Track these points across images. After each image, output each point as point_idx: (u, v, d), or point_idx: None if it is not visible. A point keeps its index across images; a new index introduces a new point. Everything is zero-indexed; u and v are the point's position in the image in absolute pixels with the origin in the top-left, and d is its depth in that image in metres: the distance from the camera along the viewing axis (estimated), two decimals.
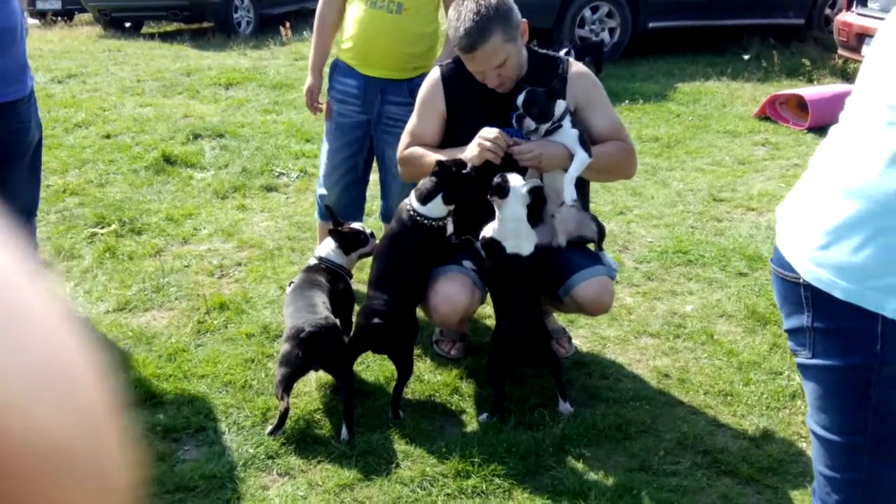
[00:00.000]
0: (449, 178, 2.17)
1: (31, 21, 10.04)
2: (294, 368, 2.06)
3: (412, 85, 2.64)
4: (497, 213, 2.20)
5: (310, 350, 2.04)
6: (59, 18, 9.91)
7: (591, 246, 2.42)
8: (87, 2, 9.09)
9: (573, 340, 2.66)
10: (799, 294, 1.16)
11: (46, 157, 4.34)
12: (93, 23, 9.89)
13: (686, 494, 1.96)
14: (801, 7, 7.69)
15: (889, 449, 1.16)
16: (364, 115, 2.72)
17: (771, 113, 5.45)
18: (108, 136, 4.77)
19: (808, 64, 6.73)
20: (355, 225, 2.48)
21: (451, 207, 2.23)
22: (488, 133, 2.16)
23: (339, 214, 2.50)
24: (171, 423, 2.09)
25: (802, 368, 1.22)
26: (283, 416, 2.05)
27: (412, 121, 2.39)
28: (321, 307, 2.14)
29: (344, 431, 2.08)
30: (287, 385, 2.06)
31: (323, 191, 2.82)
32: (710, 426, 2.23)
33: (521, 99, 2.15)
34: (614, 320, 2.81)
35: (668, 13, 7.31)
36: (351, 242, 2.42)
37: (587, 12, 7.10)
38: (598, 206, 3.88)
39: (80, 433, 0.25)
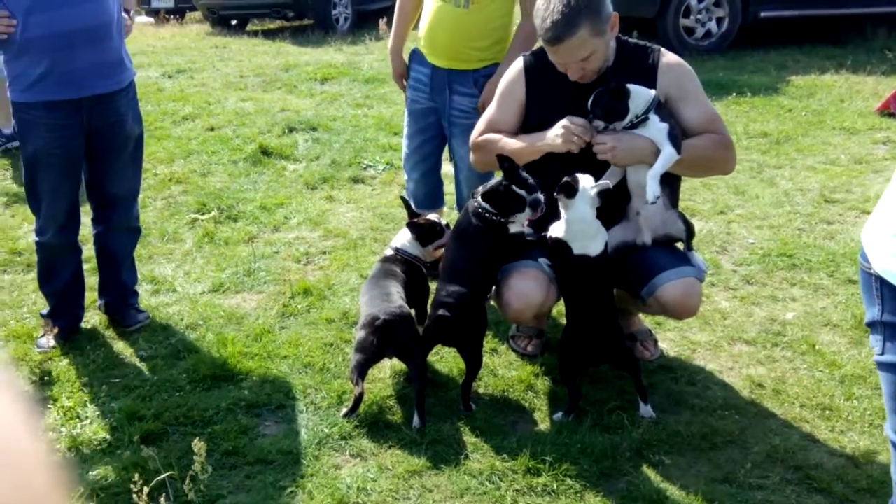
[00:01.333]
0: (514, 181, 2.17)
1: (146, 19, 10.87)
2: (369, 355, 2.13)
3: (477, 76, 2.72)
4: (563, 213, 2.17)
5: (384, 338, 2.10)
6: (172, 16, 10.66)
7: (680, 245, 2.33)
8: (198, 0, 9.73)
9: (659, 343, 2.58)
10: (871, 285, 1.17)
11: (155, 148, 4.73)
12: (202, 21, 10.59)
13: None
14: None
15: None
16: (433, 102, 2.82)
17: (895, 108, 5.01)
18: (211, 129, 5.10)
19: None
20: (431, 216, 2.52)
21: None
22: (575, 121, 2.13)
23: (420, 202, 2.57)
24: (254, 399, 2.22)
25: (879, 367, 1.20)
26: (358, 400, 2.13)
27: (490, 109, 2.39)
28: (396, 296, 2.20)
29: (416, 419, 2.13)
30: (362, 371, 2.13)
31: (406, 175, 2.99)
32: (805, 441, 2.10)
33: (591, 99, 2.12)
34: (707, 325, 2.70)
35: (782, 2, 6.88)
36: (427, 234, 2.46)
37: (693, 1, 6.81)
38: (697, 205, 3.74)
39: (18, 498, 0.27)
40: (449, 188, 3.18)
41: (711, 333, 2.65)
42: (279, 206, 3.74)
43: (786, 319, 2.72)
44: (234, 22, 10.05)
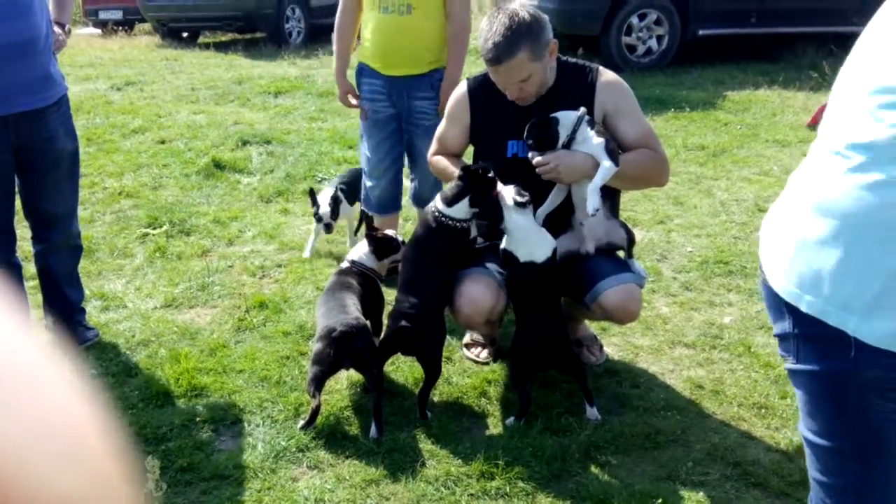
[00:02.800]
0: (475, 182, 2.24)
1: (93, 31, 10.59)
2: (326, 367, 2.14)
3: (432, 79, 2.87)
4: (504, 225, 2.25)
5: (341, 349, 2.12)
6: (120, 28, 10.42)
7: (622, 253, 2.43)
8: (147, 12, 9.54)
9: (604, 348, 2.67)
10: (780, 301, 1.18)
11: (104, 161, 4.62)
12: (152, 33, 10.37)
13: None
14: (862, 14, 7.43)
15: (874, 454, 1.16)
16: (394, 108, 2.94)
17: None
18: (162, 142, 5.01)
19: None
20: (388, 232, 2.56)
21: (475, 210, 2.28)
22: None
23: (386, 205, 2.71)
24: (210, 414, 2.20)
25: (791, 374, 1.24)
26: (315, 412, 2.14)
27: (441, 126, 2.52)
28: (352, 308, 2.22)
29: (373, 429, 2.15)
30: (319, 383, 2.14)
31: (371, 183, 3.05)
32: (743, 438, 2.21)
33: (525, 133, 2.23)
34: (648, 329, 2.80)
35: (719, 20, 7.19)
36: (384, 248, 2.50)
37: (634, 19, 7.06)
38: (639, 215, 3.87)
39: (87, 491, 0.25)
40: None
41: (653, 338, 2.75)
42: (233, 220, 3.71)
43: (723, 323, 2.84)
44: (184, 34, 9.89)
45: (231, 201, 3.99)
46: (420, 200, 3.03)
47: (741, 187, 4.32)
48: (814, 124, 5.32)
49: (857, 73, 1.10)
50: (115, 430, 0.27)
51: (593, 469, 2.07)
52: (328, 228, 3.28)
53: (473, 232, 2.32)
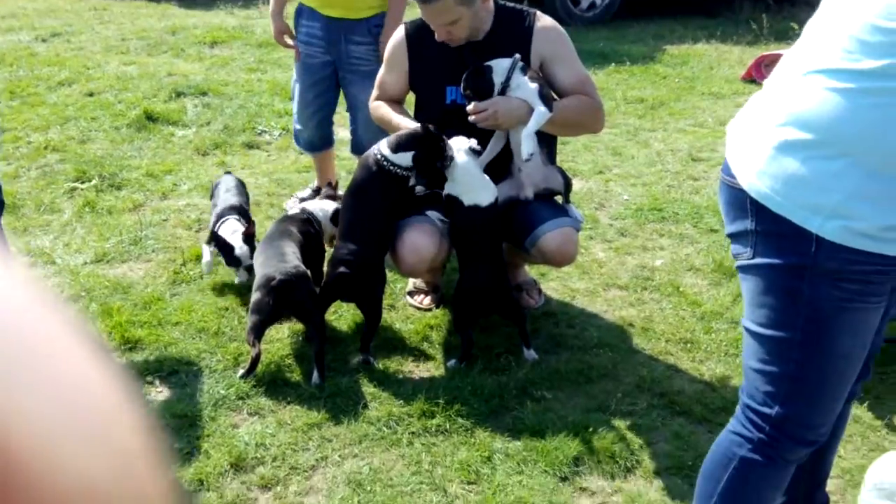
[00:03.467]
0: (427, 146, 2.21)
1: None
2: (265, 316, 2.12)
3: (370, 24, 2.80)
4: (447, 173, 2.25)
5: (280, 298, 2.09)
6: None
7: (559, 199, 2.46)
8: None
9: (543, 292, 2.72)
10: (745, 201, 1.26)
11: (28, 115, 4.35)
12: None
13: (640, 433, 2.04)
14: None
15: (816, 345, 1.26)
16: (328, 55, 2.87)
17: (757, 75, 5.42)
18: (91, 94, 4.74)
19: (796, 28, 6.67)
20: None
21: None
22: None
23: (314, 146, 2.82)
24: (144, 366, 2.15)
25: (743, 270, 1.33)
26: (255, 361, 2.12)
27: (381, 71, 2.48)
28: (291, 256, 2.19)
29: (315, 376, 2.15)
30: (258, 332, 2.12)
31: (299, 126, 3.04)
32: (669, 371, 2.31)
33: (462, 84, 2.21)
34: (585, 273, 2.87)
35: None
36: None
37: None
38: (579, 166, 3.91)
39: (114, 475, 0.23)
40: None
41: (589, 281, 2.83)
42: (167, 174, 3.57)
43: (654, 266, 2.94)
44: None
45: (165, 154, 3.83)
46: (360, 149, 2.99)
47: (677, 138, 4.42)
48: (748, 78, 5.44)
49: (836, 9, 1.17)
50: (141, 408, 0.25)
51: (529, 404, 2.14)
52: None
53: (412, 181, 2.30)
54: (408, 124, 2.30)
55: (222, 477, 1.81)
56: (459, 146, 2.23)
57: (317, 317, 2.20)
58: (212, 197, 2.82)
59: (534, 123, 2.17)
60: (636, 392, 2.20)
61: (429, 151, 2.21)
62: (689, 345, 2.44)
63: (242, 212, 2.66)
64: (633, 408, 2.14)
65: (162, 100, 4.61)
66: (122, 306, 2.44)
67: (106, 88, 4.83)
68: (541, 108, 2.17)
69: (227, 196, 2.70)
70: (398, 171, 2.23)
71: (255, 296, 2.14)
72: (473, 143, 2.26)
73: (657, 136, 4.44)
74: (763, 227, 1.25)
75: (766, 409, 1.33)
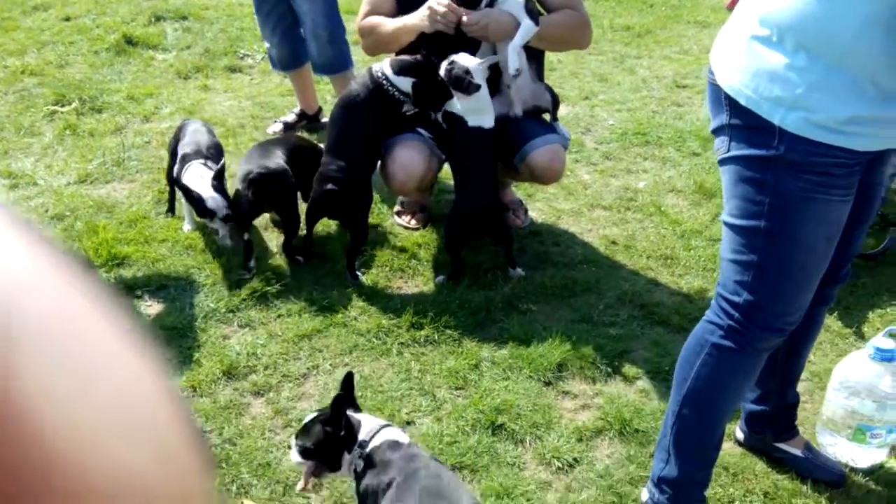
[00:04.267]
0: (428, 76, 2.13)
1: None
2: (245, 209, 2.10)
3: None
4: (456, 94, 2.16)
5: (259, 191, 2.06)
6: None
7: (547, 117, 2.40)
8: None
9: (529, 212, 2.70)
10: (721, 96, 1.30)
11: (3, 39, 4.12)
12: None
13: (621, 341, 2.07)
14: None
15: (780, 234, 1.30)
16: None
17: None
18: (67, 19, 4.49)
19: None
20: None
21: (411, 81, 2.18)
22: (439, 4, 2.09)
23: (286, 63, 2.73)
24: (133, 281, 2.12)
25: (721, 164, 1.36)
26: (248, 246, 2.13)
27: None
28: (276, 156, 2.14)
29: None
30: (243, 224, 2.12)
31: (267, 44, 2.99)
32: (650, 285, 2.32)
33: None
34: (570, 195, 2.84)
35: None
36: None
37: None
38: (566, 92, 3.81)
39: (160, 470, 0.22)
40: None
41: (574, 202, 2.80)
42: (148, 97, 3.43)
43: (638, 188, 2.91)
44: None
45: (146, 78, 3.67)
46: (320, 68, 2.91)
47: (662, 65, 4.32)
48: (733, 6, 5.30)
49: None
50: (184, 401, 0.21)
51: (515, 316, 2.15)
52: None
53: (406, 108, 2.22)
54: (412, 22, 2.16)
55: (215, 384, 1.81)
56: (474, 67, 2.12)
57: (294, 213, 2.18)
58: (173, 143, 2.36)
59: (520, 37, 2.08)
60: (618, 304, 2.22)
61: (429, 82, 2.14)
62: (669, 261, 2.44)
63: (210, 156, 2.23)
64: (614, 318, 2.15)
65: (141, 24, 4.38)
66: (107, 224, 2.38)
67: (83, 13, 4.58)
68: (527, 21, 2.09)
69: (193, 138, 2.28)
70: (396, 93, 2.16)
71: (235, 190, 2.12)
72: (494, 58, 2.15)
73: (643, 63, 4.33)
74: (736, 120, 1.29)
75: (735, 298, 1.37)
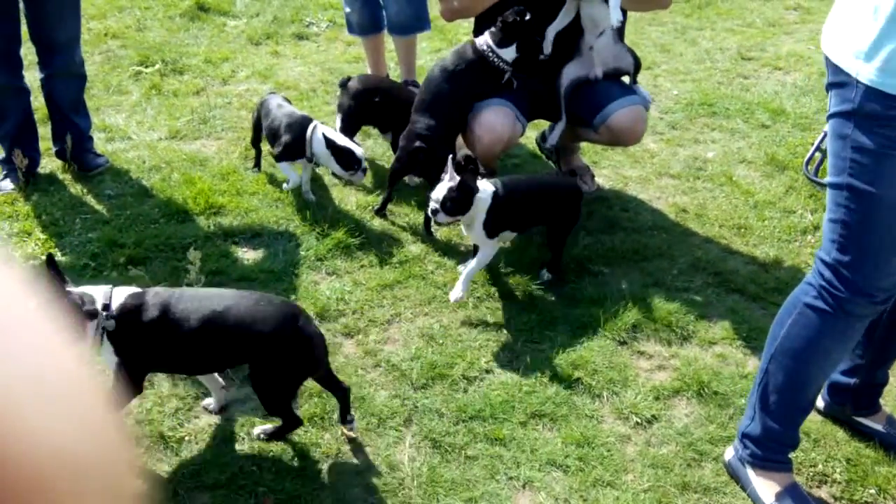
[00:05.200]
0: (523, 30, 2.15)
1: None
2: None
3: None
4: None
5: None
6: None
7: (626, 80, 2.37)
8: None
9: (596, 178, 2.68)
10: (827, 59, 1.34)
11: (84, 4, 4.22)
12: None
13: (695, 306, 2.06)
14: None
15: (862, 191, 1.29)
16: None
17: None
18: None
19: None
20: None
21: (517, 56, 2.21)
22: None
23: (365, 27, 2.77)
24: (230, 228, 2.19)
25: (828, 125, 1.38)
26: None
27: None
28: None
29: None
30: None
31: (348, 9, 2.98)
32: (723, 253, 2.29)
33: None
34: (637, 162, 2.81)
35: None
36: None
37: None
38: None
39: (84, 440, 0.22)
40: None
41: (641, 170, 2.77)
42: (224, 61, 3.50)
43: (706, 157, 2.86)
44: None
45: (220, 43, 3.74)
46: (393, 27, 2.91)
47: (725, 37, 4.18)
48: None
49: None
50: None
51: (587, 277, 2.15)
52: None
53: (507, 76, 2.23)
54: None
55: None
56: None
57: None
58: (261, 118, 2.42)
59: None
60: (691, 270, 2.20)
61: (527, 32, 2.15)
62: (742, 230, 2.40)
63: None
64: (688, 284, 2.14)
65: None
66: (201, 176, 2.46)
67: None
68: None
69: (287, 108, 2.40)
70: (500, 63, 2.19)
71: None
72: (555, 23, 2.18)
73: (705, 34, 4.20)
74: (831, 78, 1.32)
75: (826, 257, 1.36)
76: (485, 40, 2.20)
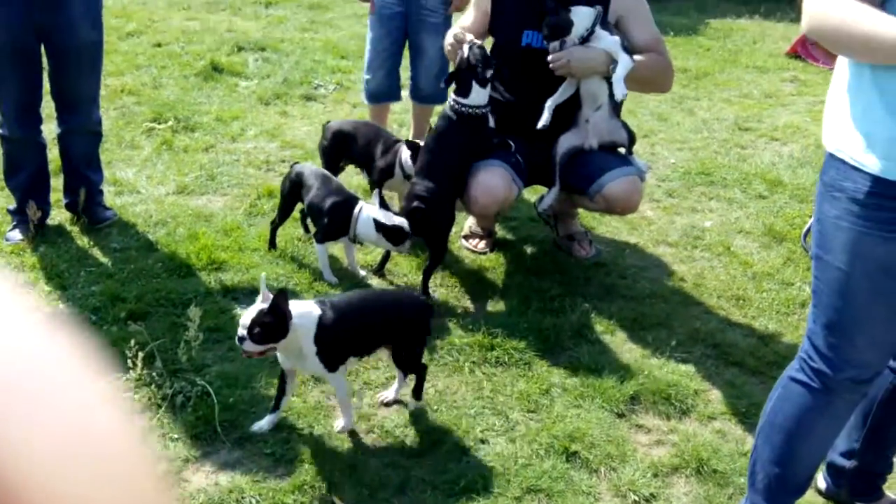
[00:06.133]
0: (473, 65, 2.21)
1: None
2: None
3: None
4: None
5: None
6: None
7: (622, 150, 2.42)
8: None
9: (594, 243, 2.70)
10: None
11: (104, 61, 4.40)
12: None
13: (694, 379, 2.04)
14: None
15: (826, 263, 1.30)
16: (401, 7, 2.90)
17: (802, 52, 5.23)
18: (158, 45, 4.77)
19: None
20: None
21: (488, 91, 2.24)
22: (450, 37, 2.27)
23: (380, 96, 2.80)
24: (231, 284, 2.20)
25: None
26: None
27: (466, 11, 2.50)
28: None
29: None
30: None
31: (368, 76, 3.04)
32: (722, 325, 2.28)
33: (543, 21, 2.19)
34: (634, 230, 2.84)
35: None
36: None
37: None
38: None
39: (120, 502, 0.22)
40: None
41: (639, 237, 2.80)
42: (235, 119, 3.60)
43: (704, 227, 2.89)
44: None
45: (231, 102, 3.86)
46: (419, 96, 3.02)
47: (722, 108, 4.30)
48: (793, 53, 5.26)
49: None
50: (149, 439, 0.23)
51: (585, 345, 2.14)
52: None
53: (491, 122, 2.29)
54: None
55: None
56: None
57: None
58: (293, 190, 2.34)
59: (622, 69, 2.15)
60: (690, 342, 2.19)
61: (477, 66, 2.20)
62: (741, 301, 2.41)
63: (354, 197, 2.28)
64: (687, 355, 2.13)
65: (225, 53, 4.62)
66: (205, 231, 2.50)
67: (172, 40, 4.85)
68: (625, 57, 2.16)
69: (332, 184, 2.29)
70: (473, 111, 2.24)
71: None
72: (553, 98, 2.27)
73: (702, 104, 4.33)
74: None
75: (808, 326, 1.35)
76: (451, 98, 2.27)
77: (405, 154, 2.43)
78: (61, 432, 0.21)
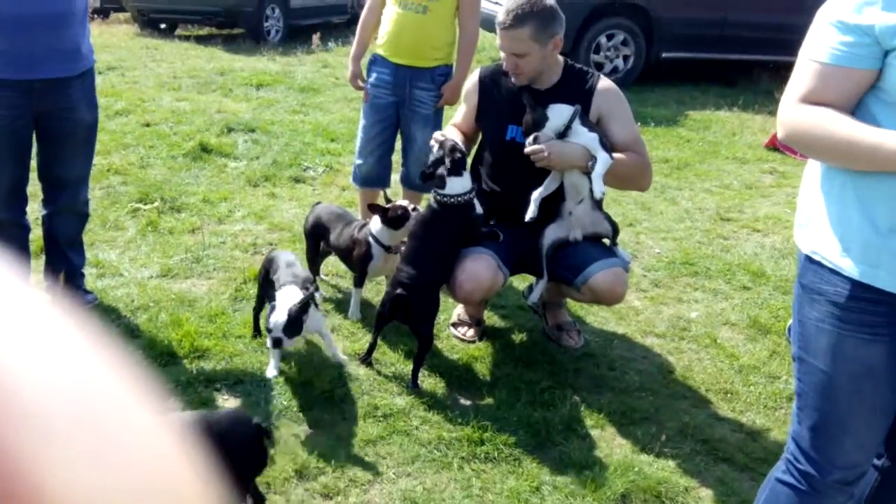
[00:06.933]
0: (439, 159, 2.37)
1: None
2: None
3: (434, 73, 3.04)
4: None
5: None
6: (96, 16, 10.15)
7: (606, 242, 2.56)
8: (129, 1, 9.36)
9: (582, 334, 2.78)
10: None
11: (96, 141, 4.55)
12: (128, 21, 10.15)
13: (685, 475, 2.07)
14: None
15: (808, 365, 1.35)
16: (394, 97, 3.09)
17: (779, 145, 5.56)
18: (147, 125, 4.94)
19: None
20: (401, 202, 2.60)
21: (466, 177, 2.38)
22: (438, 135, 2.47)
23: (370, 181, 2.90)
24: (213, 374, 2.22)
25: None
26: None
27: (458, 112, 2.70)
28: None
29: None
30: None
31: (359, 161, 3.19)
32: (711, 419, 2.34)
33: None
34: (622, 319, 2.93)
35: (681, 44, 7.50)
36: (398, 220, 2.53)
37: (602, 39, 7.31)
38: None
39: None
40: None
41: (626, 327, 2.89)
42: (222, 201, 3.71)
43: (690, 317, 3.00)
44: (163, 25, 9.72)
45: (219, 183, 3.98)
46: (409, 183, 3.17)
47: (703, 198, 4.53)
48: (771, 145, 5.59)
49: None
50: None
51: (575, 440, 2.17)
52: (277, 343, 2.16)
53: (478, 208, 2.41)
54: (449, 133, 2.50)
55: (287, 482, 1.86)
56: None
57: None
58: (267, 276, 2.34)
59: (601, 167, 2.29)
60: (679, 437, 2.23)
61: (450, 157, 2.35)
62: (728, 395, 2.47)
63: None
64: (677, 451, 2.17)
65: (214, 134, 4.80)
66: (189, 317, 2.53)
67: (161, 120, 5.04)
68: (604, 154, 2.30)
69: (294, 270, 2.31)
70: (456, 199, 2.36)
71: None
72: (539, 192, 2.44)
73: (684, 194, 4.55)
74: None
75: (791, 430, 1.40)
76: (433, 190, 2.42)
77: (375, 225, 2.56)
78: (132, 482, 0.21)
